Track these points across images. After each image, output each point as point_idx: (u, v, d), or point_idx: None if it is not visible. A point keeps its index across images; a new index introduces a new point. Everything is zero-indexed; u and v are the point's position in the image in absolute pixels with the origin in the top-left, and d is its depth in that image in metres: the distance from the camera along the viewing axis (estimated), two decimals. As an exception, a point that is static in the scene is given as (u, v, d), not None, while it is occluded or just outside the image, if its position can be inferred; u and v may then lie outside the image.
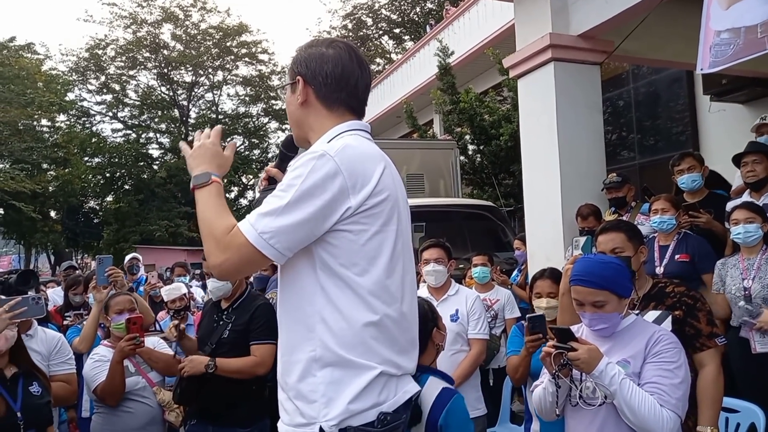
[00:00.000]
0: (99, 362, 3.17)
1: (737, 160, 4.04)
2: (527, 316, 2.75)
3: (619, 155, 9.45)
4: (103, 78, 28.76)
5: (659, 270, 3.71)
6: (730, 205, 3.82)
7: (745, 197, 3.95)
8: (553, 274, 3.02)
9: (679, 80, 8.24)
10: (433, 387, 2.11)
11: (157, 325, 4.53)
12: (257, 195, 1.78)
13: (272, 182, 1.75)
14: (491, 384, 4.35)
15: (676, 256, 3.76)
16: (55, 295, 6.53)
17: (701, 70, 3.47)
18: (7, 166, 24.11)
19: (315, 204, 1.39)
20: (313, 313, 1.44)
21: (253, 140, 31.32)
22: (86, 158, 29.25)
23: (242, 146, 31.30)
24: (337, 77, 1.55)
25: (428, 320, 2.32)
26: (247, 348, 3.04)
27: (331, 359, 1.42)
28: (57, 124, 28.25)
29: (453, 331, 3.35)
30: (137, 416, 3.13)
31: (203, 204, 1.51)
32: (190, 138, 27.89)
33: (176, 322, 3.32)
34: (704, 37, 3.43)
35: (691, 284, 2.75)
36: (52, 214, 29.09)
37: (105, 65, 28.51)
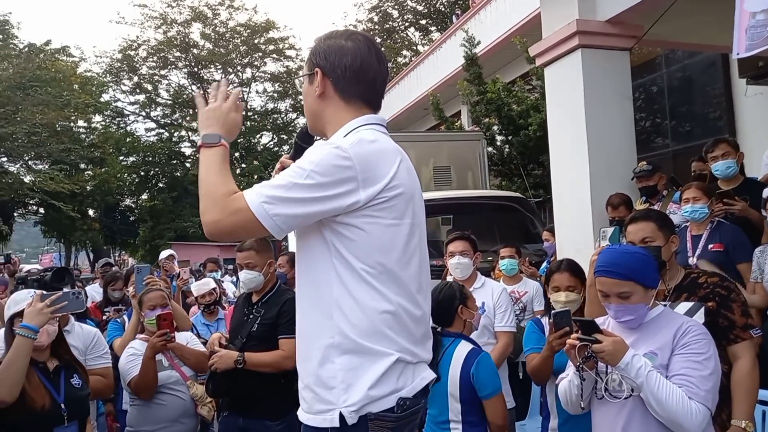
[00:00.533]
0: (133, 356, 3.26)
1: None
2: (552, 312, 2.65)
3: (653, 142, 9.24)
4: (135, 78, 29.43)
5: (692, 261, 3.62)
6: (766, 192, 3.70)
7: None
8: (570, 267, 2.90)
9: (714, 64, 8.00)
10: (465, 347, 2.65)
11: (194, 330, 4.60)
12: None
13: None
14: (521, 377, 4.31)
15: (710, 246, 3.66)
16: (93, 291, 6.72)
17: (737, 54, 3.37)
18: (47, 167, 24.85)
19: (321, 191, 1.40)
20: (331, 300, 1.46)
21: (282, 136, 31.62)
22: (121, 158, 29.99)
23: (271, 142, 31.62)
24: (356, 70, 1.56)
25: (455, 299, 2.76)
26: (276, 342, 3.07)
27: (349, 346, 1.44)
28: (93, 125, 29.02)
29: (480, 324, 3.34)
30: (170, 409, 3.21)
31: (208, 164, 1.53)
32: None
33: (222, 338, 3.23)
34: (739, 19, 3.33)
35: (726, 274, 2.67)
36: (90, 212, 29.94)
37: (137, 66, 29.15)
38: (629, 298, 1.99)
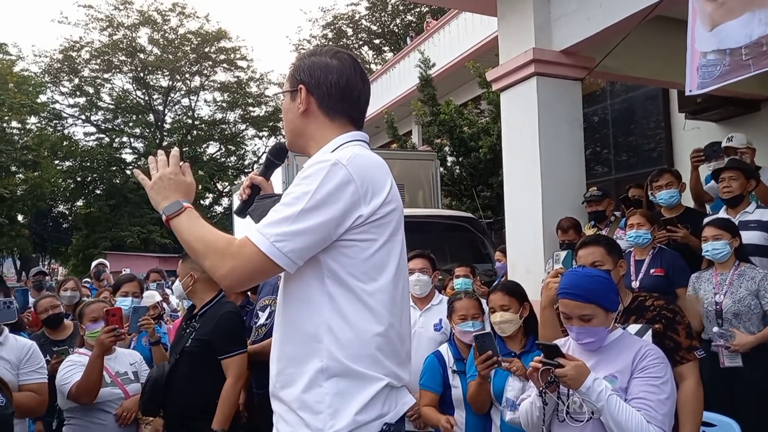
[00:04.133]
0: (73, 366, 3.07)
1: (716, 175, 4.11)
2: (473, 334, 2.61)
3: (594, 170, 9.59)
4: (76, 80, 28.22)
5: (635, 284, 3.76)
6: (707, 221, 3.89)
7: (722, 213, 4.02)
8: (505, 287, 2.93)
9: (655, 98, 8.41)
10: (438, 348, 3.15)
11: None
12: (235, 203, 1.74)
13: (255, 190, 1.72)
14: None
15: (651, 270, 3.81)
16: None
17: (690, 91, 3.51)
18: (-26, 168, 23.41)
19: (329, 212, 1.37)
20: (321, 323, 1.42)
21: (229, 147, 31.03)
22: (57, 162, 28.56)
23: (218, 153, 30.98)
24: (341, 88, 1.54)
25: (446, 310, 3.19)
26: (209, 359, 2.87)
27: (338, 370, 1.40)
28: (28, 127, 27.55)
29: (436, 340, 3.36)
30: (110, 429, 3.03)
31: (188, 227, 1.46)
32: (165, 144, 27.38)
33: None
34: (690, 58, 3.48)
35: (666, 298, 2.77)
36: (20, 218, 28.31)
37: (79, 67, 27.99)
38: (591, 320, 2.04)
